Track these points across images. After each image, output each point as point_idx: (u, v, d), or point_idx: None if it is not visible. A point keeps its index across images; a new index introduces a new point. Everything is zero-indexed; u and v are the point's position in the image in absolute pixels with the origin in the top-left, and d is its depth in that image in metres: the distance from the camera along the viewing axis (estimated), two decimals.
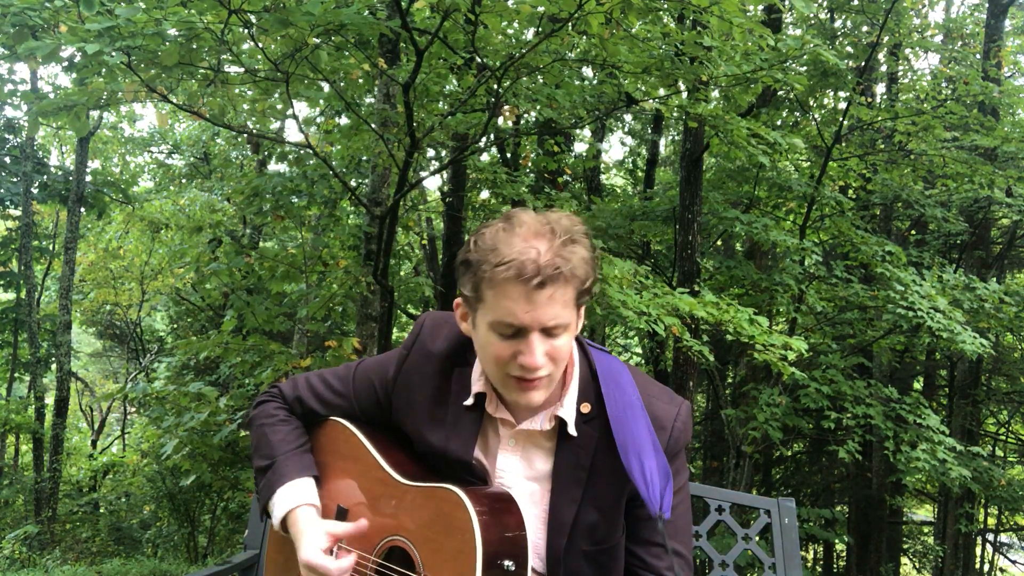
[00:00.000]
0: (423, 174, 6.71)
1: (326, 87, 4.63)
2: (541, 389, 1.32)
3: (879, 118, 7.47)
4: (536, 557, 1.38)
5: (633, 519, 1.44)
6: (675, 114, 5.45)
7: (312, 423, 1.59)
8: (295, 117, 4.49)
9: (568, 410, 1.39)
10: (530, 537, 1.34)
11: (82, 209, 10.94)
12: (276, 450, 1.50)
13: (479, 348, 1.35)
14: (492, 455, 1.44)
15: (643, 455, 1.34)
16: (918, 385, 11.92)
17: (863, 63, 7.89)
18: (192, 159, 14.90)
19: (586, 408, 1.40)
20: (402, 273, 10.23)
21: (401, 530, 1.41)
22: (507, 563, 1.28)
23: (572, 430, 1.39)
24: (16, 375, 13.49)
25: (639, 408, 1.39)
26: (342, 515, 1.51)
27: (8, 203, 11.66)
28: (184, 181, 14.96)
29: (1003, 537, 14.33)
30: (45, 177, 11.64)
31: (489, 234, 1.27)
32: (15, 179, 11.33)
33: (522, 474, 1.42)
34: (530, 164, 8.40)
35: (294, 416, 1.58)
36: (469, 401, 1.42)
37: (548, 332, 1.27)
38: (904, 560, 13.42)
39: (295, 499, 1.46)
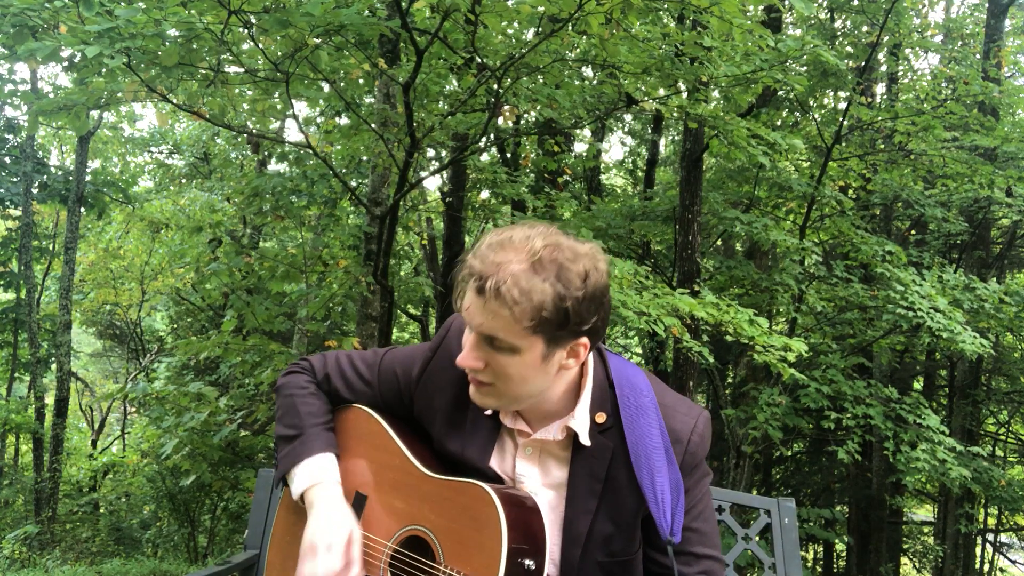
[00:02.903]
0: (423, 174, 6.70)
1: (326, 87, 4.63)
2: (488, 396, 1.33)
3: (879, 118, 7.47)
4: (551, 563, 1.37)
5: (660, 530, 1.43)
6: (675, 114, 5.44)
7: (336, 404, 1.60)
8: (295, 117, 4.49)
9: (580, 421, 1.37)
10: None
11: (82, 209, 10.94)
12: (305, 421, 1.51)
13: None
14: (509, 463, 1.44)
15: (655, 470, 1.33)
16: (918, 385, 11.92)
17: (863, 63, 7.89)
18: (192, 159, 14.89)
19: (601, 418, 1.38)
20: (402, 273, 10.22)
21: (422, 520, 1.42)
22: (528, 562, 1.29)
23: (585, 439, 1.37)
24: (16, 375, 13.50)
25: (654, 414, 1.37)
26: (360, 501, 1.52)
27: (8, 203, 11.66)
28: (184, 181, 14.96)
29: (1003, 537, 14.32)
30: (45, 177, 11.65)
31: (486, 237, 1.27)
32: (15, 179, 11.33)
33: (539, 481, 1.42)
34: (530, 164, 8.39)
35: (321, 392, 1.59)
36: (489, 411, 1.42)
37: (491, 342, 1.25)
38: (904, 560, 13.42)
39: (320, 474, 1.47)
